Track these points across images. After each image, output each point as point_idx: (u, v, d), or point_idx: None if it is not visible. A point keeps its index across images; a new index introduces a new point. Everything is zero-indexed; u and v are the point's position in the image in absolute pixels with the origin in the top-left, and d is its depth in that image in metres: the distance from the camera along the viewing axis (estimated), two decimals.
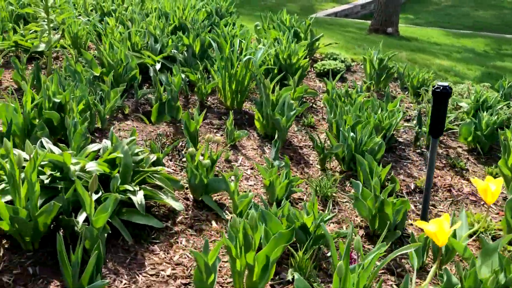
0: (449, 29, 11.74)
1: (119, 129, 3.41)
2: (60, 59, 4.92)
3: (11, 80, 4.29)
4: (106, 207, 2.05)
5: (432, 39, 10.34)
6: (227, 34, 4.67)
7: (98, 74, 4.07)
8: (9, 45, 4.73)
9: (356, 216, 2.72)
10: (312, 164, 3.22)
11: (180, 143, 3.24)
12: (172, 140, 3.32)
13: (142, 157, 2.52)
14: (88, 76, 3.85)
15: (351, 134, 3.08)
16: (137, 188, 2.36)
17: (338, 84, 4.89)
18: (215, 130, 3.58)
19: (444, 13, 14.70)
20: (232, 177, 2.73)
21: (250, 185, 2.90)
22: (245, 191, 2.79)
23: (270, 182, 2.65)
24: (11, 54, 4.89)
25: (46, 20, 4.21)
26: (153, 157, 2.65)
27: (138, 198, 2.30)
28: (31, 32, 4.86)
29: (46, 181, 2.22)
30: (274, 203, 2.41)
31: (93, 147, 2.56)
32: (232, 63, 3.84)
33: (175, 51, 4.56)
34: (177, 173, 2.92)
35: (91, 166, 2.35)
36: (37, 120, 2.96)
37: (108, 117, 3.52)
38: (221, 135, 3.51)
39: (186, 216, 2.53)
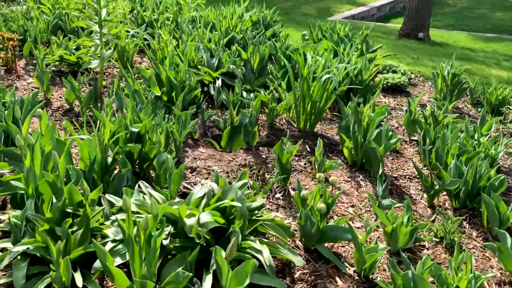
0: (474, 33, 11.43)
1: (195, 158, 3.07)
2: (107, 73, 4.57)
3: (61, 99, 3.95)
4: (243, 275, 1.72)
5: (460, 43, 10.02)
6: (285, 48, 4.34)
7: (159, 94, 3.72)
8: (53, 60, 4.37)
9: (492, 267, 2.38)
10: (416, 200, 2.88)
11: (265, 174, 2.91)
12: (255, 171, 2.98)
13: (258, 205, 2.18)
14: (150, 97, 3.51)
15: (463, 167, 2.75)
16: (257, 242, 2.03)
17: (402, 99, 4.56)
18: (296, 158, 3.24)
19: (461, 15, 14.39)
20: (344, 222, 2.39)
21: (357, 228, 2.56)
22: None
23: (393, 230, 2.32)
24: (52, 68, 4.53)
25: (99, 34, 3.87)
26: (260, 200, 2.31)
27: (266, 256, 1.95)
28: (75, 46, 4.51)
29: (166, 242, 1.88)
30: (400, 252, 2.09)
31: (198, 192, 2.21)
32: (308, 82, 3.51)
33: (233, 66, 4.23)
34: (277, 215, 2.59)
35: (205, 218, 2.01)
36: (118, 155, 2.61)
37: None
38: (305, 164, 3.17)
39: (304, 271, 2.19)
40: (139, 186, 2.19)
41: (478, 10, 14.91)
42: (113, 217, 2.00)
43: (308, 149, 3.35)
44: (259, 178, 2.88)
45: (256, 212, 2.20)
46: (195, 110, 3.58)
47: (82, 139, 2.53)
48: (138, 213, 2.02)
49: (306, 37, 5.47)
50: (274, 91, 3.90)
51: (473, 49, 8.63)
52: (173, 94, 3.70)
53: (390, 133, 3.12)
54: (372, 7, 13.93)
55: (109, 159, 2.55)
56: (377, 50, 4.93)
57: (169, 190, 2.29)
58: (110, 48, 4.04)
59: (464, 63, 6.19)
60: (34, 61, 4.73)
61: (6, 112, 2.84)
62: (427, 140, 3.17)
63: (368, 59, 4.81)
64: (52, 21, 5.25)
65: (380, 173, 2.88)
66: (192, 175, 2.84)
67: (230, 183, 2.70)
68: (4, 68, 4.46)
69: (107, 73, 4.60)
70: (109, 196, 2.14)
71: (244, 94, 3.97)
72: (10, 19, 5.22)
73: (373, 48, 4.91)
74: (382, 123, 3.66)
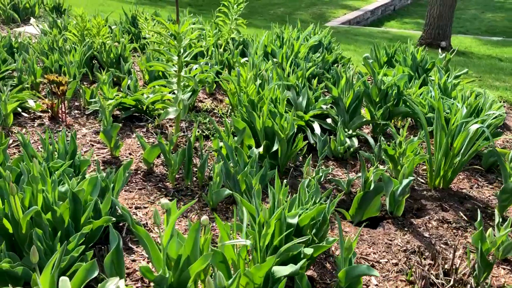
0: (479, 36, 11.07)
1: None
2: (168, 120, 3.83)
3: (130, 155, 3.19)
4: None
5: (470, 48, 9.61)
6: (380, 83, 3.69)
7: (261, 151, 3.03)
8: (112, 105, 3.60)
9: None
10: None
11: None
12: (427, 259, 2.34)
13: None
14: (255, 156, 2.81)
15: None
16: None
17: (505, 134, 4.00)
18: (454, 230, 2.61)
19: (454, 17, 14.03)
20: None
21: None
22: None
23: None
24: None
25: (176, 78, 3.13)
26: None
27: None
28: (147, 94, 3.76)
29: None
30: None
31: None
32: (446, 131, 2.88)
33: (325, 106, 3.57)
34: None
35: None
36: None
37: None
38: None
39: None
40: None
41: (469, 11, 14.64)
42: None
43: (465, 218, 2.72)
44: (441, 271, 2.24)
45: None
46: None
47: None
48: None
49: (370, 60, 4.84)
50: (383, 138, 3.25)
51: (501, 58, 8.20)
52: (278, 148, 3.02)
53: None
54: (366, 10, 13.45)
55: None
56: (461, 75, 4.35)
57: None
58: (189, 92, 3.31)
59: None
60: (76, 103, 3.95)
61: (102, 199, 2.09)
62: None
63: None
64: (86, 51, 4.44)
65: None
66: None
67: None
68: (48, 115, 3.66)
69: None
70: None
71: (347, 141, 3.33)
72: (39, 51, 4.39)
73: (457, 73, 4.33)
74: None
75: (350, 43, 8.78)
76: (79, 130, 3.51)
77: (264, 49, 4.61)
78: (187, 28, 3.06)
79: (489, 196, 3.01)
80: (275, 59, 4.43)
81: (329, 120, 3.68)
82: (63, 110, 3.63)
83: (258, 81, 3.52)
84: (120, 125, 3.12)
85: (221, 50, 4.58)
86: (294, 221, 2.08)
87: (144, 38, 5.51)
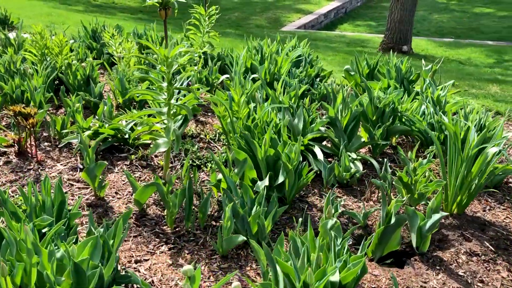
0: (431, 38, 11.21)
1: None
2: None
3: (118, 195, 2.82)
4: None
5: (427, 51, 9.68)
6: (377, 100, 3.49)
7: (267, 185, 2.73)
8: (89, 138, 3.19)
9: None
10: None
11: None
12: None
13: None
14: (262, 192, 2.52)
15: None
16: None
17: None
18: (485, 264, 2.42)
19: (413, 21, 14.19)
20: None
21: None
22: None
23: None
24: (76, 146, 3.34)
25: (166, 106, 2.79)
26: None
27: None
28: (128, 123, 3.37)
29: None
30: None
31: None
32: (462, 157, 2.70)
33: (323, 128, 3.32)
34: None
35: None
36: None
37: None
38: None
39: None
40: None
41: (418, 12, 14.82)
42: None
43: (492, 248, 2.54)
44: None
45: None
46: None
47: None
48: None
49: (352, 73, 4.64)
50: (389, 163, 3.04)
51: (460, 61, 8.26)
52: (285, 180, 2.74)
53: None
54: (320, 14, 13.39)
55: None
56: (448, 86, 4.20)
57: None
58: (179, 121, 2.97)
59: (489, 84, 5.67)
60: (45, 134, 3.51)
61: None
62: None
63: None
64: (49, 73, 4.00)
65: None
66: None
67: None
68: (14, 149, 3.22)
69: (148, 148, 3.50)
70: None
71: (360, 166, 3.10)
72: None
73: (444, 84, 4.18)
74: None
75: (314, 50, 8.61)
76: (53, 166, 3.10)
77: (244, 65, 4.31)
78: (176, 52, 2.73)
79: (505, 219, 2.85)
80: (255, 75, 4.14)
81: (326, 143, 3.45)
82: (32, 143, 3.21)
83: (252, 104, 3.22)
84: (106, 163, 2.74)
85: (199, 66, 4.24)
86: (336, 278, 1.81)
87: (110, 54, 5.09)
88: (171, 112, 2.81)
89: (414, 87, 4.30)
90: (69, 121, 3.42)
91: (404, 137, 3.80)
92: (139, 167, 3.14)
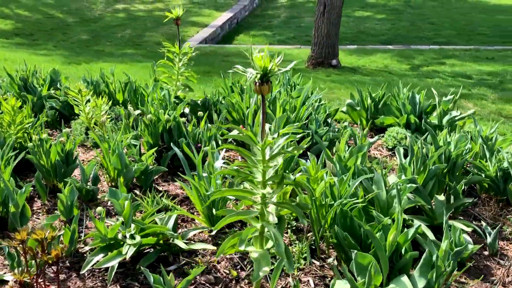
0: (341, 46, 11.18)
1: None
2: None
3: None
4: None
5: (353, 63, 9.48)
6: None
7: None
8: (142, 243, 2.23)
9: None
10: None
11: None
12: None
13: None
14: None
15: None
16: None
17: None
18: None
19: (295, 26, 14.19)
20: None
21: None
22: None
23: None
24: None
25: (259, 206, 2.00)
26: None
27: None
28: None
29: None
30: None
31: None
32: None
33: (410, 195, 2.73)
34: None
35: None
36: None
37: None
38: None
39: None
40: None
41: (303, 18, 14.87)
42: None
43: None
44: None
45: None
46: None
47: None
48: None
49: (358, 108, 4.12)
50: None
51: (387, 70, 8.23)
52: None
53: None
54: (216, 26, 12.79)
55: None
56: (465, 117, 3.87)
57: None
58: None
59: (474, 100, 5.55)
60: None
61: None
62: None
63: None
64: (15, 157, 2.89)
65: None
66: None
67: None
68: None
69: None
70: None
71: None
72: None
73: (461, 115, 3.84)
74: None
75: (233, 71, 7.97)
76: None
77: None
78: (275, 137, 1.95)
79: None
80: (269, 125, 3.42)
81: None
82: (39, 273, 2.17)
83: (327, 176, 2.52)
84: None
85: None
86: None
87: (56, 109, 3.98)
88: (267, 211, 2.05)
89: (430, 120, 3.92)
90: (76, 230, 2.42)
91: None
92: (209, 286, 2.28)
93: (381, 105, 4.09)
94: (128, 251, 2.22)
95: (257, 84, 1.88)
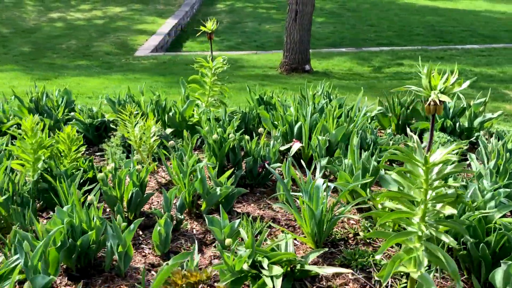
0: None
1: None
2: None
3: None
4: None
5: (322, 67, 9.54)
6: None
7: None
8: None
9: None
10: None
11: None
12: None
13: None
14: None
15: None
16: None
17: None
18: None
19: (240, 31, 14.10)
20: None
21: None
22: None
23: None
24: None
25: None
26: None
27: None
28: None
29: None
30: None
31: None
32: None
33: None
34: None
35: None
36: None
37: None
38: None
39: None
40: None
41: (246, 23, 14.84)
42: None
43: None
44: None
45: None
46: None
47: None
48: None
49: (389, 114, 4.15)
50: None
51: (357, 73, 8.41)
52: None
53: None
54: (164, 34, 12.45)
55: None
56: (493, 119, 4.03)
57: None
58: None
59: None
60: None
61: None
62: None
63: None
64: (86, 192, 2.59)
65: None
66: None
67: None
68: None
69: None
70: None
71: None
72: None
73: (491, 116, 4.00)
74: None
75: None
76: None
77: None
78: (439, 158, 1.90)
79: None
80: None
81: None
82: None
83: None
84: None
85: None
86: None
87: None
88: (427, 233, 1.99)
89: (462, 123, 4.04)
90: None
91: None
92: None
93: (410, 110, 4.16)
94: (275, 284, 2.06)
95: (431, 104, 1.81)
